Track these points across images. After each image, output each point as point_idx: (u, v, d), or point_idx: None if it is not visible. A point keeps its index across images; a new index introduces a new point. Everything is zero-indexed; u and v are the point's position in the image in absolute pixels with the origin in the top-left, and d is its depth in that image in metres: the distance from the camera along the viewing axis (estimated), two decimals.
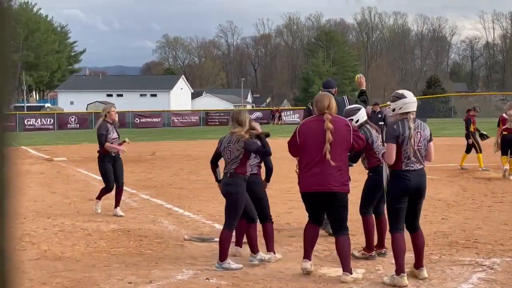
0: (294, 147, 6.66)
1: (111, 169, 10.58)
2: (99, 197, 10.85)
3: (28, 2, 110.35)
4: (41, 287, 6.47)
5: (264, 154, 7.24)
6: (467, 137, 17.69)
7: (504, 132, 15.85)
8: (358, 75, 9.44)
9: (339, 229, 6.52)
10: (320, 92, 9.69)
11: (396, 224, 6.44)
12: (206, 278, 6.65)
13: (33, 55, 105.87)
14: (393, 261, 6.48)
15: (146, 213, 10.89)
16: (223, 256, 7.00)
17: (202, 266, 7.20)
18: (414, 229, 6.59)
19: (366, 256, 7.37)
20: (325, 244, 8.28)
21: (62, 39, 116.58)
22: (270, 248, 7.47)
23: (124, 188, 11.16)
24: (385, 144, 6.49)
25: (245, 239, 7.65)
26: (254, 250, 7.29)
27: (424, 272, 6.50)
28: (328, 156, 6.33)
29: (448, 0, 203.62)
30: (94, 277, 6.78)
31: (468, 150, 17.75)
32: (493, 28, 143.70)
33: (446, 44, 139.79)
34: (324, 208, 6.60)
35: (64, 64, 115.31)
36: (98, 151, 10.67)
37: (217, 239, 8.45)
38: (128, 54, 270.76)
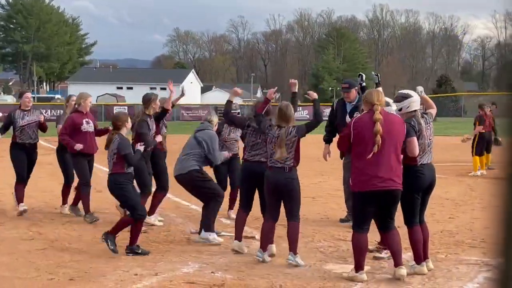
0: (346, 142, 6.30)
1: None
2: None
3: None
4: (47, 277, 6.51)
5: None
6: None
7: None
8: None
9: (390, 224, 6.41)
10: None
11: (413, 218, 6.60)
12: (212, 272, 6.67)
13: (44, 46, 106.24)
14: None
15: None
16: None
17: (208, 259, 7.22)
18: (421, 222, 6.76)
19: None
20: (331, 241, 8.29)
21: (73, 31, 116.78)
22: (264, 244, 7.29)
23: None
24: (408, 139, 6.35)
25: (247, 233, 7.60)
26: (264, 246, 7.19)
27: (430, 264, 6.71)
28: (375, 149, 6.01)
29: None
30: (100, 268, 6.82)
31: None
32: (505, 28, 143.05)
33: (457, 43, 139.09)
34: (380, 207, 6.27)
35: (75, 56, 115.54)
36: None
37: (224, 233, 8.48)
38: (139, 47, 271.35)
